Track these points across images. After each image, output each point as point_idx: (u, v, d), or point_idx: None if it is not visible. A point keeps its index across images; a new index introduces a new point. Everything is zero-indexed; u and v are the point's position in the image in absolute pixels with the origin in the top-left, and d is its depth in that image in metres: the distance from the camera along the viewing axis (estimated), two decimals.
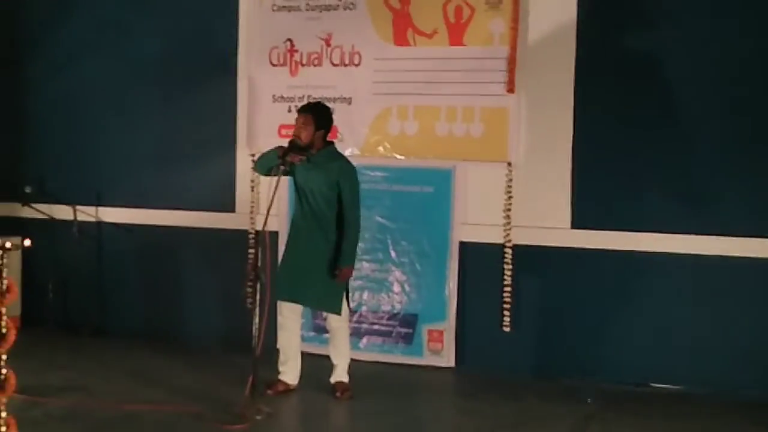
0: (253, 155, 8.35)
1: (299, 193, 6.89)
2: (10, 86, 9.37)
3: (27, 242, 4.49)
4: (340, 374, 6.95)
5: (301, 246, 6.85)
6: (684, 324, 7.32)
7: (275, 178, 6.51)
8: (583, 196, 7.54)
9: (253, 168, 6.97)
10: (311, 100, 7.16)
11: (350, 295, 7.06)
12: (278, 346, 7.01)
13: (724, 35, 7.26)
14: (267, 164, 6.78)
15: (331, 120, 6.91)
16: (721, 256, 7.19)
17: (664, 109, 7.36)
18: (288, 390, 6.93)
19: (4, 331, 4.18)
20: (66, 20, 9.15)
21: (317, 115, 6.80)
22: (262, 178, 8.06)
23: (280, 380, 6.93)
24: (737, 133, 7.24)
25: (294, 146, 6.67)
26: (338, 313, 6.83)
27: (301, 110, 6.87)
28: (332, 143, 6.97)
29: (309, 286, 6.77)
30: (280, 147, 6.72)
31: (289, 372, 6.96)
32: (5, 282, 4.19)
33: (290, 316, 6.91)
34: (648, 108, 7.39)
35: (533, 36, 7.63)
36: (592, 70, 7.50)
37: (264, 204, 7.72)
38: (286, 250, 7.04)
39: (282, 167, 6.60)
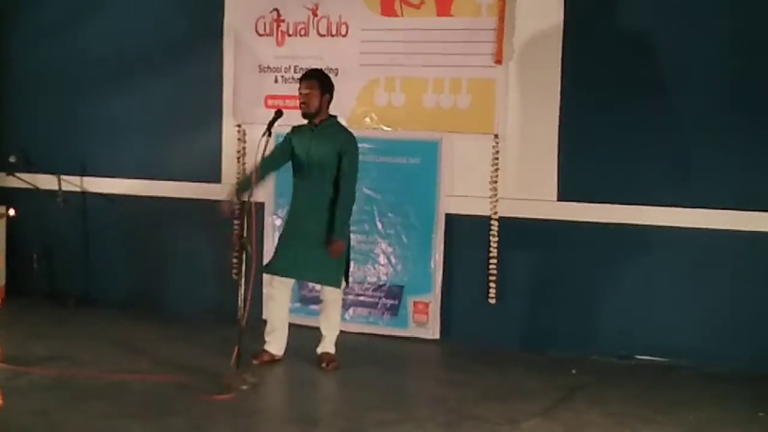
0: (239, 126, 8.33)
1: (301, 165, 6.86)
2: None
3: (11, 212, 4.47)
4: (327, 345, 6.96)
5: (302, 219, 6.83)
6: (669, 297, 7.35)
7: (261, 146, 6.45)
8: (569, 168, 7.53)
9: (234, 194, 6.91)
10: (304, 69, 7.10)
11: (349, 268, 7.05)
12: (265, 316, 7.01)
13: (715, 7, 7.24)
14: (245, 184, 6.74)
15: (333, 84, 6.89)
16: (707, 228, 7.21)
17: (651, 80, 7.35)
18: (273, 360, 6.93)
19: None
20: None
21: (321, 80, 6.80)
22: (249, 147, 8.09)
23: (265, 350, 6.93)
24: (724, 105, 7.23)
25: (279, 115, 6.64)
26: (337, 286, 6.85)
27: (304, 77, 6.84)
28: (335, 116, 6.94)
29: (310, 259, 6.76)
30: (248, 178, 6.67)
31: (275, 342, 6.96)
32: None
33: (280, 288, 6.90)
34: (636, 80, 7.38)
35: (521, 7, 7.60)
36: (580, 42, 7.47)
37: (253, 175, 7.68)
38: (286, 225, 7.01)
39: (268, 136, 6.55)
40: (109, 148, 8.87)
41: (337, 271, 6.85)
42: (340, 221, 6.75)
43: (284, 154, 6.92)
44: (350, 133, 6.92)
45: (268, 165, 6.86)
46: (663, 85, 7.34)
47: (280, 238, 7.05)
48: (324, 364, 6.89)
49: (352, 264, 7.13)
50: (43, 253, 8.88)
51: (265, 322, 6.99)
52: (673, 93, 7.33)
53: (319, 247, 6.74)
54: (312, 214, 6.80)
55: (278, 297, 6.91)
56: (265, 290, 7.12)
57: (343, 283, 6.96)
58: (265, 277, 6.99)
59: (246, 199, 6.53)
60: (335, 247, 6.72)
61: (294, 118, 6.99)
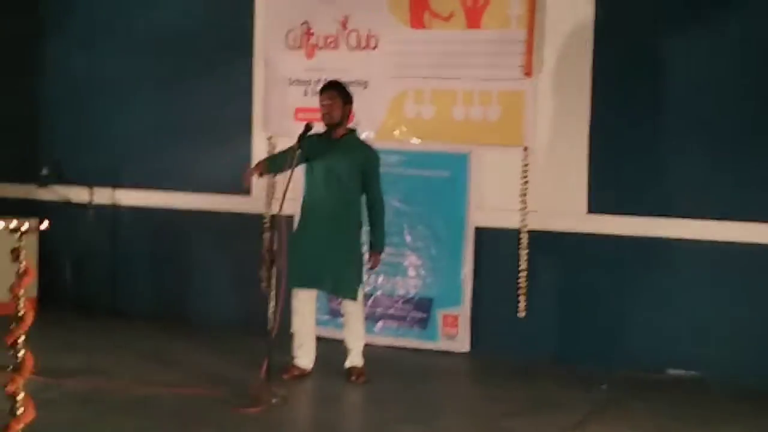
0: (269, 138, 8.35)
1: (317, 177, 6.86)
2: (27, 67, 9.41)
3: (44, 224, 4.49)
4: (354, 358, 6.96)
5: (316, 231, 6.83)
6: (702, 310, 7.28)
7: (292, 159, 6.48)
8: (599, 180, 7.50)
9: (263, 168, 6.95)
10: (328, 81, 7.10)
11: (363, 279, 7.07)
12: (292, 330, 7.02)
13: (745, 21, 7.20)
14: (279, 161, 6.81)
15: (352, 96, 6.93)
16: (740, 242, 7.15)
17: (683, 93, 7.32)
18: (303, 375, 6.93)
19: (21, 313, 4.19)
20: (79, 3, 9.16)
21: (342, 90, 6.85)
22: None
23: (294, 365, 6.94)
24: (760, 118, 7.17)
25: (310, 128, 6.66)
26: (354, 298, 6.84)
27: (325, 89, 6.88)
28: (354, 130, 6.98)
29: (326, 271, 6.77)
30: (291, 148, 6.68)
31: (304, 356, 6.96)
32: (23, 264, 4.20)
33: (305, 300, 6.90)
34: (667, 92, 7.35)
35: (551, 19, 7.59)
36: (611, 54, 7.44)
37: (280, 188, 7.70)
38: (296, 238, 6.97)
39: (299, 150, 6.57)
40: (140, 160, 8.93)
41: (353, 283, 6.85)
42: (380, 234, 6.84)
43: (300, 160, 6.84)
44: (371, 147, 6.98)
45: (284, 162, 6.75)
46: (695, 98, 7.29)
47: (293, 250, 6.81)
48: (353, 378, 6.89)
49: (381, 277, 7.17)
50: (74, 265, 8.96)
51: (293, 335, 7.00)
52: (705, 105, 7.27)
53: (336, 261, 6.76)
54: (330, 226, 6.79)
55: (303, 310, 6.91)
56: (292, 302, 7.12)
57: (361, 294, 6.94)
58: (293, 290, 6.98)
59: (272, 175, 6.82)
60: (376, 260, 6.86)
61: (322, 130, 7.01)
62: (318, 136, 6.87)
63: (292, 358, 6.95)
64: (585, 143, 7.52)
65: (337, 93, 6.82)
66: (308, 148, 6.73)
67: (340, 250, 6.77)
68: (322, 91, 6.89)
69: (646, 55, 7.40)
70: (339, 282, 6.83)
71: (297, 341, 6.97)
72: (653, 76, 7.38)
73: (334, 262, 6.75)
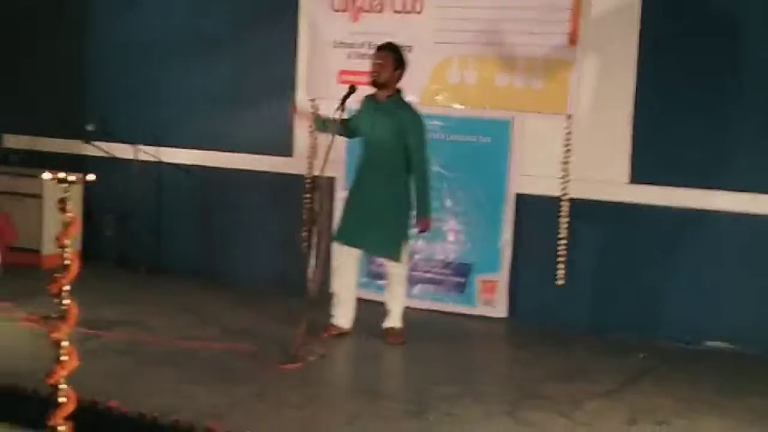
0: (312, 100, 8.36)
1: (366, 139, 6.94)
2: (74, 26, 9.47)
3: (91, 177, 4.55)
4: (393, 320, 7.00)
5: (366, 192, 6.89)
6: (740, 283, 7.25)
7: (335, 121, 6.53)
8: (642, 150, 7.45)
9: (312, 120, 7.08)
10: (382, 42, 7.10)
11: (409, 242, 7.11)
12: (333, 289, 7.07)
13: None
14: (327, 123, 6.89)
15: (406, 62, 6.93)
16: None
17: (730, 63, 7.23)
18: (342, 334, 6.99)
19: (67, 263, 4.25)
20: None
21: (396, 53, 6.85)
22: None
23: (333, 324, 7.00)
24: None
25: (353, 91, 6.71)
26: (398, 259, 6.88)
27: (380, 48, 6.89)
28: (400, 90, 6.96)
29: (371, 231, 6.83)
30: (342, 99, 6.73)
31: (342, 316, 7.02)
32: (69, 214, 4.26)
33: (348, 260, 6.95)
34: (714, 62, 7.27)
35: None
36: (658, 23, 7.37)
37: (322, 149, 7.73)
38: (349, 195, 7.10)
39: (341, 111, 6.62)
40: (184, 119, 8.99)
41: (398, 246, 6.88)
42: (425, 200, 6.84)
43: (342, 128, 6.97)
44: (414, 110, 6.92)
45: (347, 128, 6.98)
46: (743, 68, 7.21)
47: (345, 208, 7.10)
48: (390, 339, 6.94)
49: (420, 241, 7.18)
50: (117, 221, 9.06)
51: (333, 294, 7.05)
52: (753, 76, 7.19)
53: (382, 221, 6.81)
54: (375, 188, 6.86)
55: (345, 269, 6.97)
56: (333, 263, 7.16)
57: (405, 257, 6.98)
58: (335, 249, 7.03)
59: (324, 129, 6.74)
60: (423, 224, 6.84)
61: (367, 94, 7.04)
62: (367, 99, 6.95)
63: (331, 317, 7.00)
64: (629, 113, 7.46)
65: (391, 54, 6.82)
66: (362, 113, 6.90)
67: (385, 211, 6.81)
68: (378, 49, 6.91)
69: (695, 22, 7.31)
70: (383, 242, 6.89)
71: (336, 300, 7.03)
72: (701, 44, 7.29)
73: (380, 224, 6.80)
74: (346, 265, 6.97)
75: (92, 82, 9.42)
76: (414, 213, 6.85)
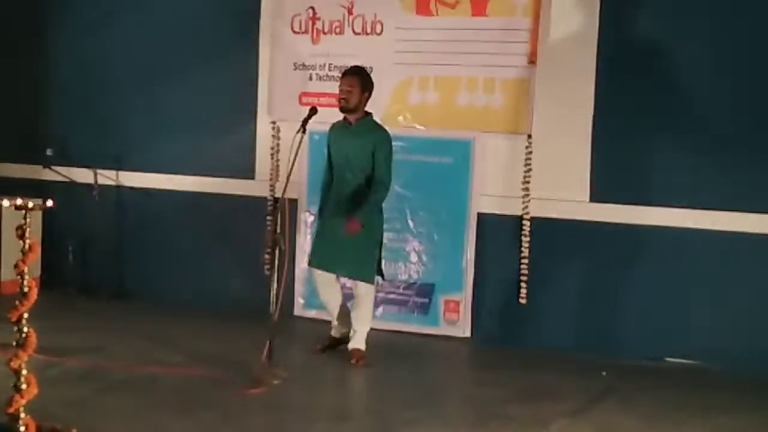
0: (273, 123, 8.36)
1: (336, 162, 6.99)
2: (33, 49, 9.39)
3: (49, 203, 4.52)
4: (358, 341, 7.00)
5: (337, 215, 6.91)
6: (702, 299, 7.31)
7: (295, 145, 6.52)
8: (602, 169, 7.51)
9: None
10: (339, 67, 7.16)
11: (381, 264, 7.14)
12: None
13: (747, 11, 7.21)
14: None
15: (373, 83, 6.99)
16: (740, 231, 7.17)
17: (687, 82, 7.32)
18: (334, 344, 7.23)
19: (26, 289, 4.22)
20: None
21: (363, 77, 6.92)
22: (282, 145, 8.13)
23: (328, 335, 7.28)
24: (761, 108, 7.18)
25: (314, 113, 6.74)
26: (370, 281, 6.92)
27: (347, 73, 6.95)
28: (370, 114, 7.00)
29: (343, 254, 6.86)
30: None
31: (335, 328, 7.24)
32: (28, 241, 4.22)
33: (325, 281, 7.07)
34: (672, 82, 7.35)
35: (556, 7, 7.59)
36: (615, 43, 7.45)
37: (284, 171, 7.73)
38: (319, 219, 7.17)
39: (303, 133, 6.64)
40: (145, 143, 8.93)
41: (369, 267, 6.93)
42: (367, 206, 6.82)
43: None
44: (384, 130, 6.99)
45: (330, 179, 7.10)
46: (699, 87, 7.30)
47: (316, 232, 7.22)
48: (354, 361, 6.93)
49: (383, 262, 7.18)
50: (78, 246, 8.98)
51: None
52: (709, 94, 7.29)
53: (353, 244, 6.80)
54: (345, 211, 6.86)
55: (326, 289, 7.10)
56: (315, 284, 7.25)
57: (378, 279, 7.03)
58: (312, 272, 7.19)
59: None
60: (352, 224, 6.72)
61: (328, 115, 7.07)
62: (336, 125, 7.04)
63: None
64: (588, 132, 7.52)
65: (358, 80, 6.88)
66: (330, 140, 7.04)
67: (356, 235, 6.79)
68: (344, 75, 6.97)
69: (652, 44, 7.40)
70: (355, 265, 6.91)
71: (329, 314, 7.23)
72: (658, 66, 7.38)
73: (352, 246, 6.81)
74: (325, 285, 7.09)
75: (51, 107, 9.35)
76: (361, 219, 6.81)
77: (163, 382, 6.28)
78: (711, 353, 7.25)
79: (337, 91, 6.97)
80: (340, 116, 7.00)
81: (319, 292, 7.18)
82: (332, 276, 7.06)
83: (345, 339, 7.13)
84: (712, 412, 6.16)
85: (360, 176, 6.88)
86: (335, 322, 7.22)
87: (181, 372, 6.47)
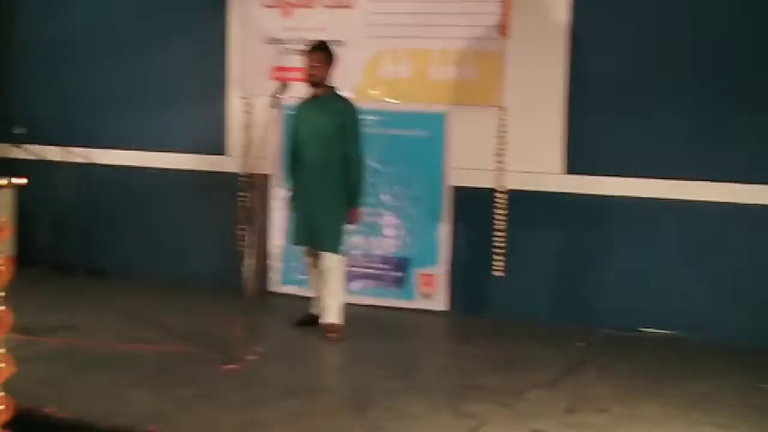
0: (244, 98, 8.32)
1: (304, 136, 6.97)
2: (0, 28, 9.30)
3: (21, 181, 4.46)
4: (331, 315, 6.99)
5: (308, 189, 6.96)
6: (676, 269, 7.34)
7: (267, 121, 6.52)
8: (576, 141, 7.51)
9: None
10: (310, 41, 7.13)
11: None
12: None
13: None
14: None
15: (336, 55, 7.00)
16: (712, 201, 7.19)
17: (660, 52, 7.33)
18: (310, 321, 7.20)
19: (0, 268, 4.17)
20: None
21: (328, 51, 6.95)
22: (255, 119, 8.10)
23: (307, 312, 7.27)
24: (732, 79, 7.19)
25: (284, 87, 6.76)
26: (334, 250, 6.91)
27: (313, 49, 6.95)
28: (334, 87, 7.01)
29: (314, 228, 6.94)
30: None
31: (314, 306, 7.25)
32: (1, 220, 4.18)
33: (310, 260, 7.15)
34: (644, 51, 7.36)
35: None
36: (588, 14, 7.43)
37: (256, 146, 7.71)
38: (294, 196, 7.14)
39: (275, 107, 6.66)
40: (115, 120, 8.89)
41: (335, 238, 6.95)
42: (357, 192, 6.97)
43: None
44: (350, 103, 7.03)
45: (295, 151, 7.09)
46: (674, 56, 7.30)
47: (291, 209, 7.20)
48: (328, 335, 6.93)
49: (358, 236, 7.24)
50: (51, 225, 8.94)
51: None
52: (684, 65, 7.29)
53: (321, 216, 6.90)
54: (316, 184, 6.90)
55: (310, 267, 7.19)
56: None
57: (342, 250, 7.04)
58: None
59: None
60: (355, 214, 6.97)
61: (300, 89, 7.04)
62: (303, 101, 7.05)
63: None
64: (562, 103, 7.52)
65: (324, 54, 6.91)
66: (299, 115, 7.04)
67: (324, 206, 6.89)
68: (309, 51, 6.95)
69: (625, 12, 7.39)
70: (320, 235, 6.93)
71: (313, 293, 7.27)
72: (634, 33, 7.38)
73: (320, 219, 6.91)
74: (311, 264, 7.17)
75: (18, 85, 9.27)
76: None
77: (139, 358, 6.27)
78: (685, 323, 7.29)
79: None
80: (309, 92, 6.98)
81: (306, 270, 7.28)
82: (315, 254, 7.06)
83: (318, 318, 7.15)
84: (686, 381, 6.21)
85: (327, 149, 6.89)
86: (316, 301, 7.23)
87: (156, 348, 6.46)
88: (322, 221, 6.91)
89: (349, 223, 7.04)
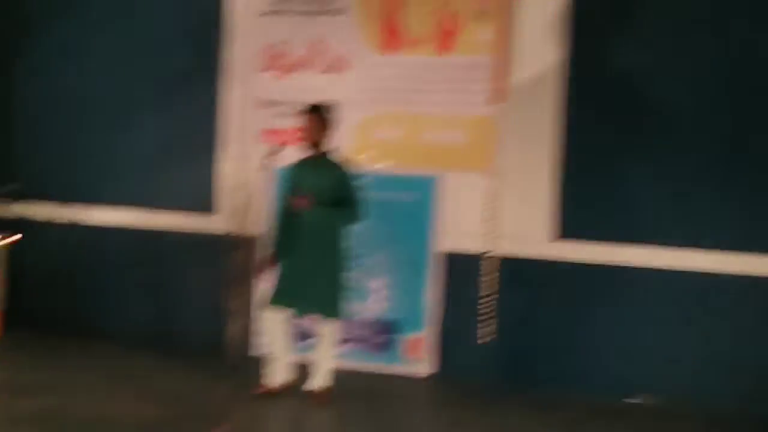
0: (236, 160, 8.33)
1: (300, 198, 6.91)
2: None
3: (17, 236, 4.43)
4: (322, 380, 6.92)
5: (302, 252, 6.84)
6: (665, 338, 7.35)
7: (259, 180, 6.49)
8: (566, 208, 7.55)
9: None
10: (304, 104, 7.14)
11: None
12: (264, 350, 6.96)
13: (716, 49, 7.34)
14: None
15: (335, 119, 6.98)
16: (703, 270, 7.23)
17: (652, 120, 7.40)
18: (270, 393, 6.90)
19: None
20: (53, 21, 9.10)
21: (325, 113, 6.91)
22: (245, 181, 8.10)
23: (264, 383, 6.93)
24: (728, 148, 7.27)
25: (277, 150, 6.75)
26: (337, 317, 6.86)
27: (310, 111, 6.91)
28: (333, 149, 6.99)
29: (310, 292, 6.79)
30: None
31: (273, 375, 6.94)
32: None
33: (279, 321, 6.87)
34: (635, 120, 7.43)
35: (520, 46, 7.65)
36: (579, 81, 7.51)
37: (247, 208, 7.70)
38: (283, 257, 6.97)
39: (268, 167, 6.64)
40: (107, 179, 8.86)
41: (338, 304, 6.86)
42: (339, 210, 6.77)
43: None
44: (348, 167, 6.97)
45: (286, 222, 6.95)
46: (663, 127, 7.38)
47: (280, 270, 6.97)
48: (317, 399, 6.86)
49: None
50: (39, 283, 8.85)
51: (263, 355, 6.96)
52: (673, 134, 7.37)
53: (320, 281, 6.77)
54: (311, 247, 6.81)
55: (276, 331, 6.89)
56: (263, 325, 7.07)
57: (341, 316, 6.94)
58: (266, 312, 6.96)
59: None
60: (303, 200, 6.72)
61: (292, 153, 7.05)
62: (298, 163, 7.00)
63: (263, 376, 6.93)
64: (552, 170, 7.57)
65: (321, 116, 6.88)
66: (294, 177, 6.92)
67: (323, 270, 6.78)
68: (307, 112, 6.92)
69: (616, 82, 7.47)
70: (322, 302, 6.82)
71: (269, 360, 6.94)
72: (623, 104, 7.45)
73: (319, 283, 6.78)
74: (276, 327, 6.89)
75: (13, 143, 9.24)
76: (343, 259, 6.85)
77: (123, 421, 6.17)
78: (674, 391, 7.28)
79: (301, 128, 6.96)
80: (305, 153, 6.98)
81: (271, 335, 6.95)
82: (285, 317, 6.89)
83: (291, 385, 6.98)
84: None
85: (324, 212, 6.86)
86: (270, 370, 6.95)
87: (140, 411, 6.38)
88: (323, 287, 6.81)
89: (296, 205, 6.73)
